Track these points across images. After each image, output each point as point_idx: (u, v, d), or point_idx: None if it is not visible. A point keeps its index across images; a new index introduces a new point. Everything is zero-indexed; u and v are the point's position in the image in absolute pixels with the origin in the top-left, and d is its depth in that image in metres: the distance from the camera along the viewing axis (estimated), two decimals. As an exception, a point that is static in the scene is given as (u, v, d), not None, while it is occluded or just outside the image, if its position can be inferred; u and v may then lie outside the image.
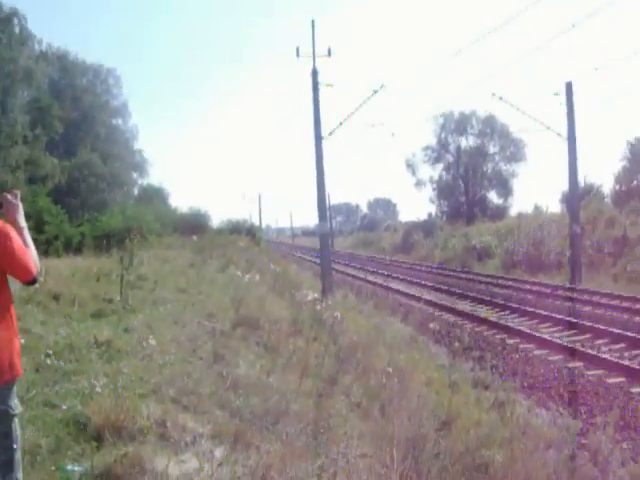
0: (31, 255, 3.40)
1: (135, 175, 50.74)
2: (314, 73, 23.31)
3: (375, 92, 23.73)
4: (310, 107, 23.48)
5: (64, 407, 5.17)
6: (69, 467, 4.15)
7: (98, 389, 5.48)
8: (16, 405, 3.40)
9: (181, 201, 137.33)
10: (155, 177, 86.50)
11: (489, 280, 26.32)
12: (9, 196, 3.51)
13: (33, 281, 3.44)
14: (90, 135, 43.64)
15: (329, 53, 23.73)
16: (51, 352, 6.64)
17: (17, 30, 34.82)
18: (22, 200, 3.54)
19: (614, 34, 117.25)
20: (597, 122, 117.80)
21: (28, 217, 3.58)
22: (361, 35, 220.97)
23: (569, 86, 24.85)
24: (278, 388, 6.66)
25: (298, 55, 23.70)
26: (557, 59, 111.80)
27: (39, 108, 36.45)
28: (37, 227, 25.97)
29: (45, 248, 23.00)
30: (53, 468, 4.13)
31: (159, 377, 6.18)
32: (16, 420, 3.38)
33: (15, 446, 3.34)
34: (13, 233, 3.32)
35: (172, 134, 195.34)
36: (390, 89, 58.74)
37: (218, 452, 4.66)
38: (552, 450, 6.38)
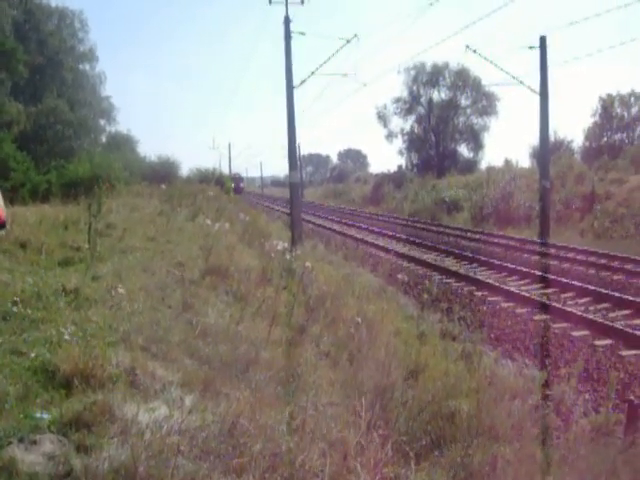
0: None
1: (103, 122, 49.77)
2: (286, 21, 23.01)
3: (348, 42, 23.56)
4: (282, 56, 23.23)
5: (32, 355, 5.12)
6: (38, 414, 4.13)
7: (66, 337, 5.42)
8: None
9: (150, 149, 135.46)
10: (123, 124, 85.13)
11: (458, 233, 26.54)
12: None
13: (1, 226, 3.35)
14: (56, 80, 42.48)
15: (302, 1, 23.42)
16: (18, 300, 6.55)
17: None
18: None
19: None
20: (569, 77, 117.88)
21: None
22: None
23: (543, 40, 24.80)
24: (247, 337, 6.66)
25: (270, 2, 23.35)
26: (532, 13, 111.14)
27: (3, 52, 35.30)
28: (2, 174, 25.54)
29: (11, 196, 22.58)
30: (22, 415, 4.11)
31: (128, 325, 6.13)
32: None
33: None
34: None
35: (141, 81, 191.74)
36: (363, 40, 58.15)
37: (188, 400, 4.66)
38: (517, 400, 6.49)
